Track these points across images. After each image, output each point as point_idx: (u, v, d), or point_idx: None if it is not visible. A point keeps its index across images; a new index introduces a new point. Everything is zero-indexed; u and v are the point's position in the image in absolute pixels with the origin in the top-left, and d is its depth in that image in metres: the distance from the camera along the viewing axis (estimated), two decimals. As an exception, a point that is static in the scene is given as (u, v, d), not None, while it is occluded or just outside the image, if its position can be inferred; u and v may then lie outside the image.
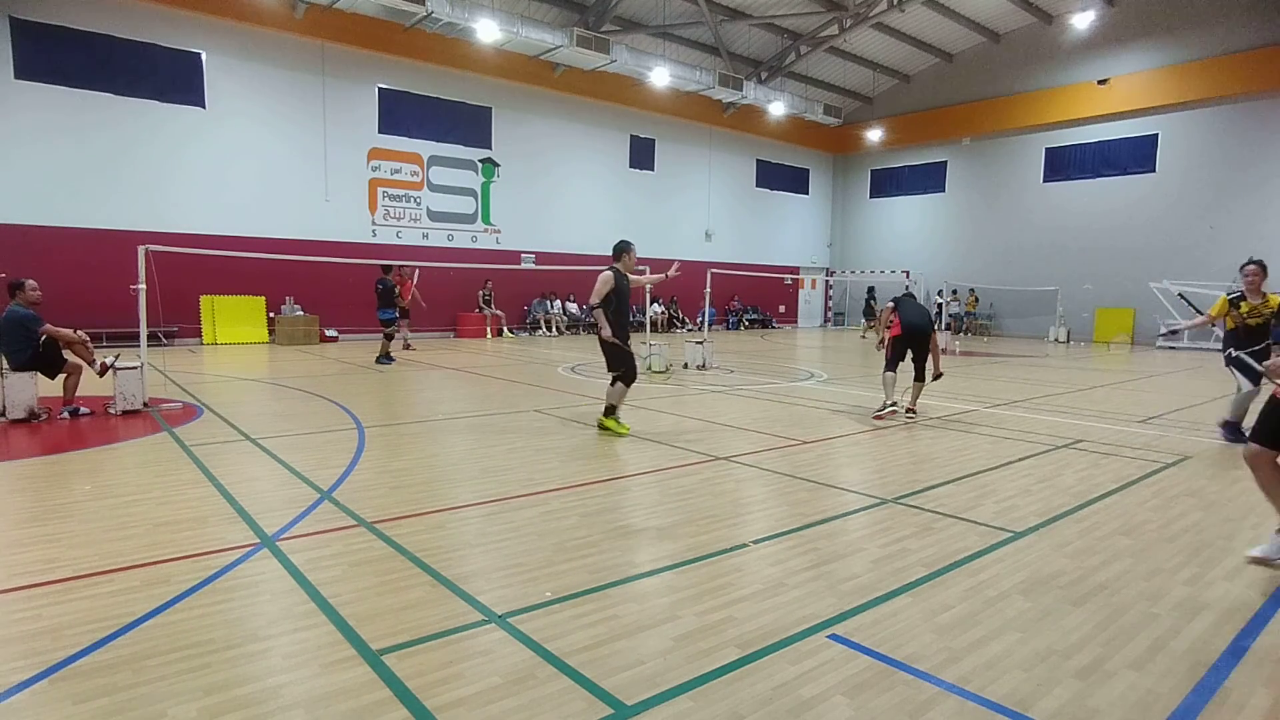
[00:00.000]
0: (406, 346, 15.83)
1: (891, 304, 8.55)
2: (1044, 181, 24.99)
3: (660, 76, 21.34)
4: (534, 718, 2.40)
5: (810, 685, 2.61)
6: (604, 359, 7.24)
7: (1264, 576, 3.73)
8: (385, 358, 13.12)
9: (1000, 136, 25.85)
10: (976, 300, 26.23)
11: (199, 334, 16.70)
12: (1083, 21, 21.77)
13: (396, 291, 13.86)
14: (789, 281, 29.75)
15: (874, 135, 27.87)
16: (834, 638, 2.97)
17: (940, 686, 2.61)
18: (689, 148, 26.02)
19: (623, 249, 7.19)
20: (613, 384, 7.12)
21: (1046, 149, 24.86)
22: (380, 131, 19.21)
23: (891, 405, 8.29)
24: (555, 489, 5.16)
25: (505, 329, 21.10)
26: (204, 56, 16.61)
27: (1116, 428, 7.91)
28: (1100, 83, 22.93)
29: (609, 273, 7.01)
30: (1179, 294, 20.64)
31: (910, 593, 3.43)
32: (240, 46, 16.97)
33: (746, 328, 27.23)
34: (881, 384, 8.38)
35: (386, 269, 13.84)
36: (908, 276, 26.13)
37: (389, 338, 13.44)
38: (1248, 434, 3.90)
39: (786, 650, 2.86)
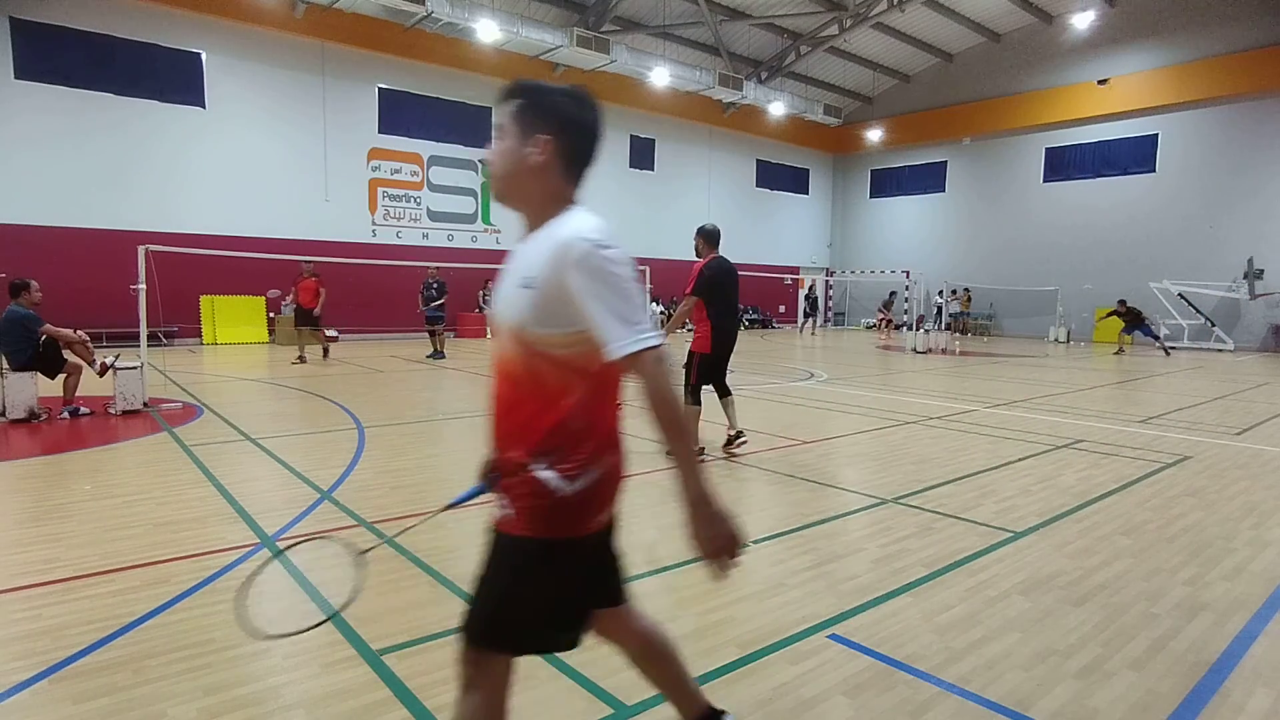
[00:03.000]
0: (325, 354, 13.88)
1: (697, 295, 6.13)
2: (1044, 181, 25.00)
3: (660, 76, 21.34)
4: (534, 718, 2.39)
5: (810, 685, 2.61)
6: None
7: (1264, 576, 3.73)
8: (438, 353, 14.36)
9: (1000, 136, 25.86)
10: (970, 299, 26.26)
11: (199, 334, 16.70)
12: (1083, 21, 21.78)
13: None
14: (789, 282, 29.75)
15: (874, 135, 27.89)
16: (834, 638, 2.97)
17: (940, 686, 2.61)
18: (689, 148, 26.03)
19: None
20: None
21: (1046, 149, 24.87)
22: (380, 131, 19.21)
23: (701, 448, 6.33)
24: (555, 489, 5.14)
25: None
26: (204, 56, 16.61)
27: (1116, 428, 7.91)
28: (1100, 83, 22.94)
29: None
30: (1179, 294, 20.67)
31: (910, 593, 3.43)
32: (240, 46, 16.97)
33: (746, 328, 27.25)
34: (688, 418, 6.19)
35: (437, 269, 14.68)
36: (908, 276, 26.18)
37: (433, 334, 14.55)
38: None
39: (786, 650, 2.86)
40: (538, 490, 1.63)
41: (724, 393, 6.41)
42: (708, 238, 6.23)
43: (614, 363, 1.54)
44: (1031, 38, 24.39)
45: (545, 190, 1.70)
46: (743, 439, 6.31)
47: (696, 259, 6.26)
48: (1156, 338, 19.22)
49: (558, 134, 1.67)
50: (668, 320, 24.14)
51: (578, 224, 1.61)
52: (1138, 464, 6.18)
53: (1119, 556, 3.94)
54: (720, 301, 6.15)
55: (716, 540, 1.57)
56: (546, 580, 1.68)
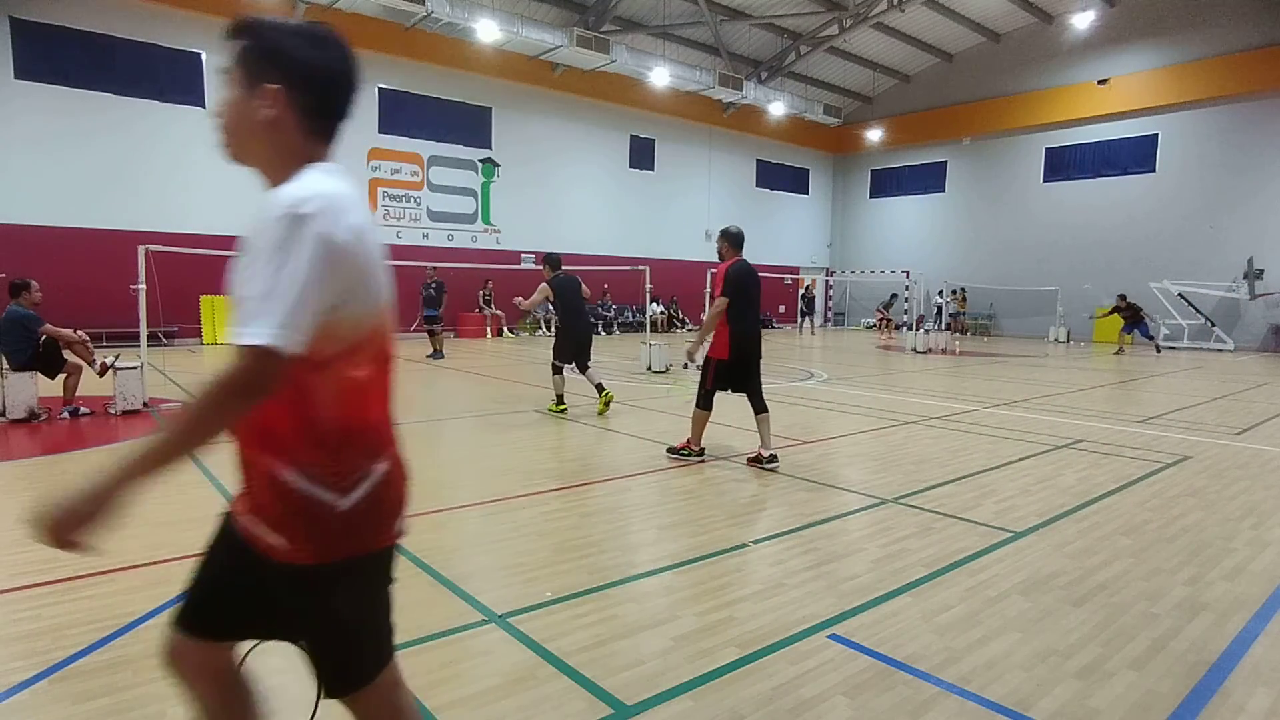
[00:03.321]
0: None
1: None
2: (1044, 181, 24.99)
3: (660, 76, 21.34)
4: (534, 718, 2.40)
5: (810, 685, 2.61)
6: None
7: (1264, 576, 3.73)
8: (437, 353, 14.42)
9: (1000, 136, 25.85)
10: (965, 299, 26.25)
11: (199, 334, 16.71)
12: (1083, 21, 21.77)
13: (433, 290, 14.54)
14: (788, 282, 29.76)
15: (874, 135, 27.88)
16: (834, 638, 2.97)
17: (940, 686, 2.61)
18: (689, 148, 26.02)
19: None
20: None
21: (1046, 149, 24.86)
22: (380, 131, 19.21)
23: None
24: (555, 489, 5.16)
25: (505, 329, 21.11)
26: (204, 56, 16.61)
27: (1116, 428, 7.91)
28: (1100, 83, 22.94)
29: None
30: (1179, 294, 20.67)
31: (910, 593, 3.43)
32: (240, 46, 16.97)
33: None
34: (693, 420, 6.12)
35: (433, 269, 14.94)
36: (908, 277, 26.24)
37: (432, 335, 14.72)
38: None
39: (786, 650, 2.86)
40: (307, 508, 1.38)
41: (758, 408, 5.95)
42: (731, 240, 6.15)
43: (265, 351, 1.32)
44: (1031, 38, 24.38)
45: (280, 149, 1.44)
46: (775, 464, 5.82)
47: (719, 262, 6.16)
48: (1151, 336, 19.27)
49: (290, 83, 1.40)
50: (667, 320, 24.26)
51: (298, 184, 1.32)
52: (1138, 464, 6.18)
53: (1119, 556, 3.94)
54: (740, 304, 5.93)
55: (69, 512, 1.27)
56: (356, 604, 1.48)
